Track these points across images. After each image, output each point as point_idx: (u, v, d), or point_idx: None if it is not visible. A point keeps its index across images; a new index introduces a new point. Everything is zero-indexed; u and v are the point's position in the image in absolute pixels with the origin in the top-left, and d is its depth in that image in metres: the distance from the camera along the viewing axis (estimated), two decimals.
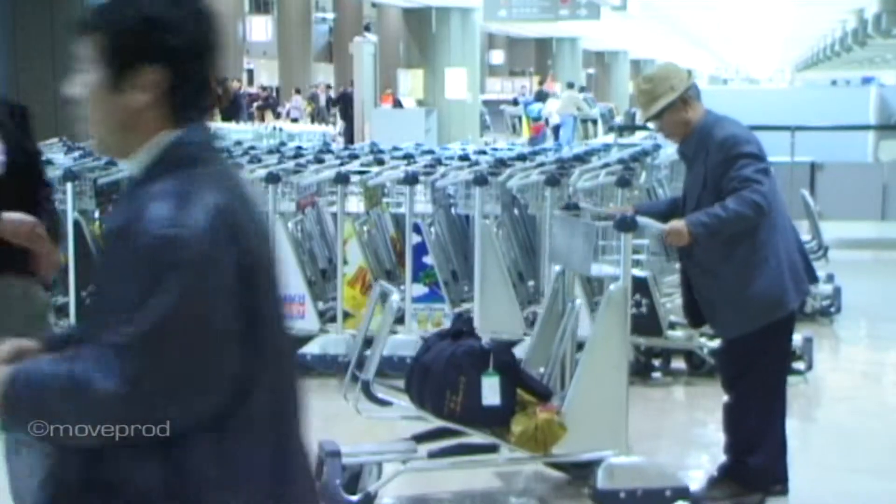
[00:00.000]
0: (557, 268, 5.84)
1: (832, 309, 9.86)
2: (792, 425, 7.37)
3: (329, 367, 7.69)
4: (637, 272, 5.50)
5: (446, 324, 7.79)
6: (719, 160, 5.35)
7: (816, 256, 10.28)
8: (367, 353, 5.40)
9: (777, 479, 5.65)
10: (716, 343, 7.83)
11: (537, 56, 48.45)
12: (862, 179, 13.86)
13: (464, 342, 5.40)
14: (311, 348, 7.78)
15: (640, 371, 7.71)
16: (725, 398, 5.67)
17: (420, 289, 7.88)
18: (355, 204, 8.56)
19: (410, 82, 28.33)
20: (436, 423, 5.41)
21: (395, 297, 5.41)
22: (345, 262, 7.98)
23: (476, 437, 5.40)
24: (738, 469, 5.61)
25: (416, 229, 7.90)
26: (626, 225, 5.35)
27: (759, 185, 5.27)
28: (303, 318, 7.84)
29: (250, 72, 45.71)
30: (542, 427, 5.28)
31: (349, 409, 5.45)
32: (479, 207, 7.72)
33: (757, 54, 64.66)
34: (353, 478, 5.33)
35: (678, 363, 7.92)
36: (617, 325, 5.40)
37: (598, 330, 5.44)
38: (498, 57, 55.97)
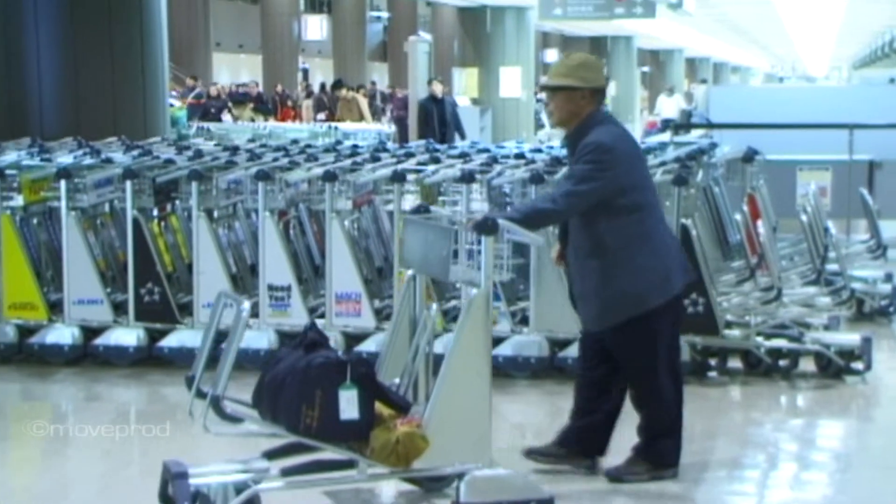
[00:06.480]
0: (409, 272, 5.61)
1: (891, 308, 9.78)
2: (851, 425, 7.36)
3: None
4: (497, 277, 5.35)
5: (501, 322, 7.81)
6: (576, 161, 5.66)
7: (875, 255, 10.20)
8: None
9: (676, 463, 5.91)
10: (773, 343, 7.84)
11: (592, 54, 48.27)
12: None
13: (319, 353, 5.13)
14: (367, 346, 7.80)
15: (696, 370, 7.69)
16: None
17: None
18: (411, 202, 8.57)
19: (465, 81, 28.34)
20: (289, 438, 5.16)
21: (245, 305, 5.00)
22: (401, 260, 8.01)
23: (332, 453, 5.18)
24: (651, 450, 5.85)
25: None
26: (487, 228, 5.23)
27: (578, 184, 5.56)
28: (359, 317, 7.86)
29: (305, 71, 45.86)
30: (404, 440, 5.08)
31: None
32: None
33: (813, 52, 64.13)
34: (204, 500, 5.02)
35: (735, 362, 7.89)
36: (479, 332, 5.23)
37: (460, 337, 5.24)
38: (552, 55, 55.74)
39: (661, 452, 5.84)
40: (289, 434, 5.11)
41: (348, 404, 5.05)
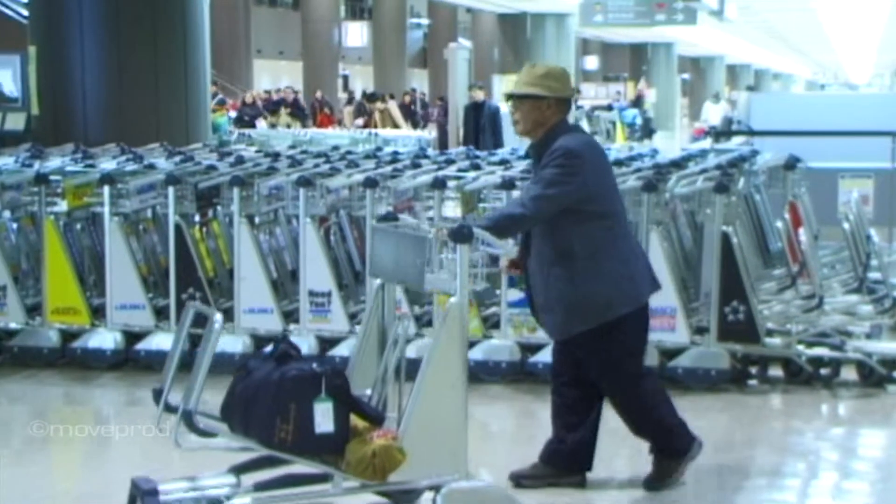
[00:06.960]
0: (377, 282, 5.53)
1: None
2: (892, 435, 7.33)
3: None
4: (473, 286, 5.27)
5: (540, 330, 7.80)
6: (543, 167, 5.59)
7: None
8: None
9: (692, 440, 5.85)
10: (814, 351, 7.79)
11: (632, 61, 48.26)
12: None
13: (291, 366, 5.00)
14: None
15: (736, 378, 7.66)
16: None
17: (516, 293, 7.87)
18: (452, 209, 8.59)
19: (505, 88, 28.32)
20: (261, 452, 5.02)
21: (218, 316, 4.94)
22: None
23: (306, 467, 5.04)
24: (670, 446, 5.81)
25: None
26: (463, 236, 5.12)
27: (547, 188, 5.50)
28: None
29: (345, 77, 45.99)
30: (380, 453, 4.96)
31: None
32: None
33: (855, 59, 63.79)
34: None
35: (775, 371, 7.86)
36: (455, 343, 5.13)
37: (436, 347, 5.13)
38: (592, 62, 55.81)
39: (678, 441, 5.79)
40: (262, 448, 4.98)
41: (323, 417, 4.93)
